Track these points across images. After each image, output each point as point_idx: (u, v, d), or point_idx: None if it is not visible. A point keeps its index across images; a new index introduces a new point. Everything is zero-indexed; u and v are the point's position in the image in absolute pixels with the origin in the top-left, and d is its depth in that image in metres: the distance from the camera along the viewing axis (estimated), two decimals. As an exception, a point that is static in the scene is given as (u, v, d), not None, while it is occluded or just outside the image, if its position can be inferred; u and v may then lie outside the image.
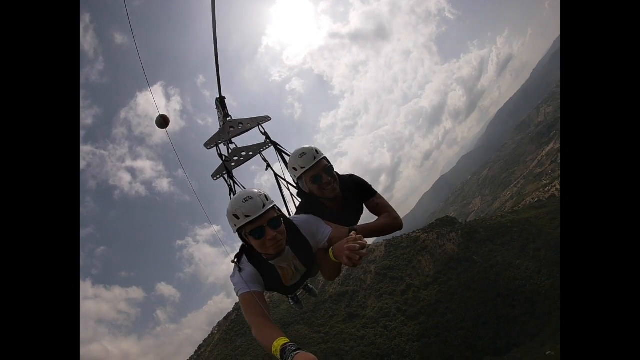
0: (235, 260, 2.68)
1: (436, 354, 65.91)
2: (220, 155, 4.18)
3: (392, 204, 3.30)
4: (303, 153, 3.11)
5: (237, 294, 2.55)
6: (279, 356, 1.95)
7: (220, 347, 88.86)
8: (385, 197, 3.33)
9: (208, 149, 4.18)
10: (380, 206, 3.28)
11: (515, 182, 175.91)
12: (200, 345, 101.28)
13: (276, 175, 4.15)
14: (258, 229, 2.47)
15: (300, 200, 3.42)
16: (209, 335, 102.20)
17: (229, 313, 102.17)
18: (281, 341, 2.01)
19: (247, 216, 2.46)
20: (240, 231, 2.55)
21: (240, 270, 2.61)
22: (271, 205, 2.54)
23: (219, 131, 4.23)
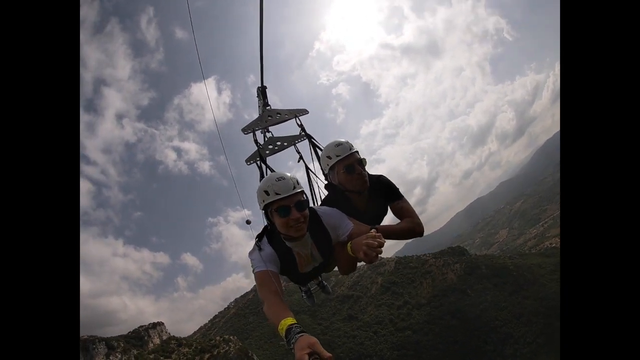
0: (257, 239, 2.80)
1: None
2: (256, 142, 4.21)
3: (424, 217, 4.04)
4: (339, 143, 3.30)
5: (253, 271, 2.65)
6: (284, 335, 2.03)
7: (234, 320, 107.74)
8: (417, 209, 3.33)
9: (245, 134, 4.23)
10: (404, 210, 3.30)
11: (544, 222, 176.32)
12: (215, 315, 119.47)
13: (307, 167, 4.08)
14: (285, 207, 2.61)
15: (327, 192, 3.48)
16: (225, 309, 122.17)
17: (246, 292, 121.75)
18: (288, 321, 2.07)
19: (277, 194, 2.60)
20: (267, 208, 2.70)
21: (259, 249, 2.71)
22: (300, 189, 2.69)
23: (257, 118, 4.25)
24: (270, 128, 4.77)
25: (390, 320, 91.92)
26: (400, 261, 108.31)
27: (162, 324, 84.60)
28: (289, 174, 2.73)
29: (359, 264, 2.90)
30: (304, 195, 2.73)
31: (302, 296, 5.20)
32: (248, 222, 3.56)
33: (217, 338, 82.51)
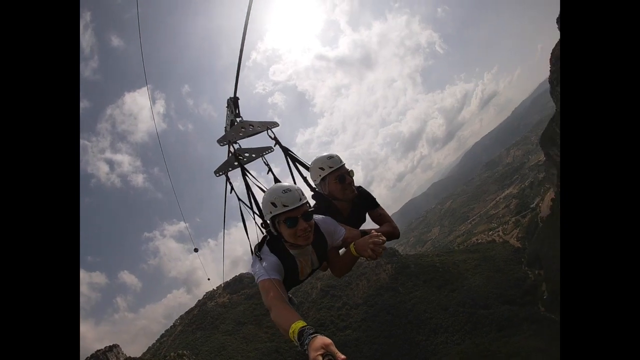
0: (257, 250, 2.89)
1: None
2: (234, 152, 4.09)
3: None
4: (330, 156, 3.57)
5: (257, 280, 2.67)
6: (296, 338, 2.01)
7: (182, 337, 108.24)
8: None
9: (221, 145, 4.12)
10: (383, 216, 3.76)
11: (471, 219, 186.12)
12: (162, 334, 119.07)
13: (276, 179, 4.05)
14: (292, 218, 2.71)
15: (315, 202, 3.63)
16: (171, 327, 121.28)
17: (191, 308, 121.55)
18: (299, 324, 2.06)
19: (285, 205, 2.70)
20: (274, 219, 2.79)
21: (260, 259, 2.78)
22: (306, 200, 2.80)
23: (231, 129, 4.15)
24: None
25: (332, 322, 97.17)
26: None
27: (118, 346, 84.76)
28: (294, 186, 2.88)
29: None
30: (309, 206, 2.85)
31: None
32: (196, 250, 4.07)
33: (172, 354, 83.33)
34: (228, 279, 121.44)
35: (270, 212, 2.78)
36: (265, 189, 3.26)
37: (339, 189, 3.54)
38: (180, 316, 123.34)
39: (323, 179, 3.60)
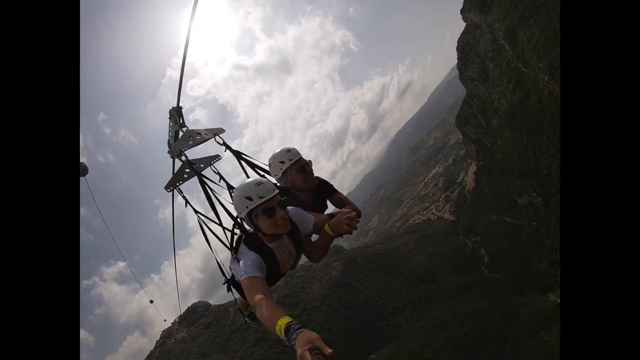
0: (233, 252, 2.94)
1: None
2: (188, 161, 3.89)
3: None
4: (289, 150, 3.71)
5: (239, 279, 2.67)
6: (283, 334, 2.02)
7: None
8: None
9: (171, 157, 3.96)
10: (343, 199, 4.01)
11: (405, 203, 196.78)
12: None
13: (229, 186, 3.92)
14: (270, 208, 2.78)
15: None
16: None
17: (151, 351, 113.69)
18: (285, 320, 2.06)
19: (260, 197, 2.76)
20: (250, 213, 2.82)
21: (238, 260, 2.81)
22: (278, 190, 2.90)
23: (179, 140, 3.96)
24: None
25: None
26: (287, 274, 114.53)
27: None
28: (263, 178, 2.98)
29: None
30: (282, 195, 2.93)
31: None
32: (151, 301, 3.79)
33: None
34: (182, 312, 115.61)
35: (247, 207, 2.81)
36: (220, 196, 3.48)
37: (301, 179, 3.71)
38: None
39: (284, 173, 3.73)
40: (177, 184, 3.98)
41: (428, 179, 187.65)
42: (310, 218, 3.33)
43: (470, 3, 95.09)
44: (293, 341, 1.93)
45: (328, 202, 4.11)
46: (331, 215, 3.37)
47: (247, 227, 3.02)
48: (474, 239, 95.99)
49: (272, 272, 2.94)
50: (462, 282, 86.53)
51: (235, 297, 3.92)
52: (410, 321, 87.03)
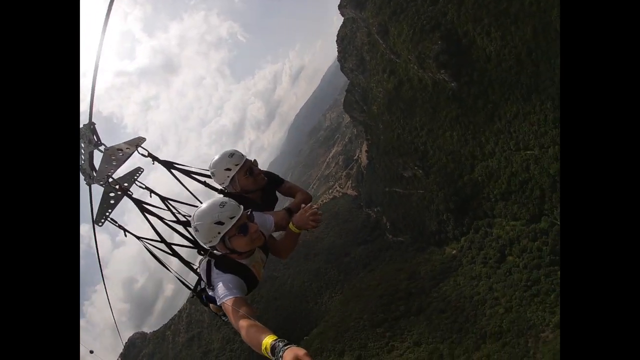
0: (205, 281, 2.86)
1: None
2: (124, 188, 3.43)
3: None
4: (232, 154, 3.50)
5: (219, 303, 2.60)
6: (269, 354, 1.95)
7: None
8: None
9: (101, 185, 3.34)
10: (292, 188, 3.90)
11: (313, 184, 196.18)
12: None
13: (163, 198, 3.59)
14: (243, 225, 2.69)
15: None
16: None
17: None
18: (270, 339, 2.00)
19: (231, 218, 2.64)
20: (224, 237, 2.68)
21: (214, 286, 2.69)
22: (242, 205, 2.78)
23: (102, 162, 3.39)
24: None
25: (235, 333, 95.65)
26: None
27: None
28: (219, 196, 2.99)
29: None
30: (245, 208, 2.80)
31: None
32: (91, 351, 3.84)
33: None
34: (122, 350, 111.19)
35: (219, 233, 2.68)
36: (162, 217, 3.26)
37: (250, 182, 3.57)
38: None
39: (232, 179, 3.54)
40: (107, 213, 3.37)
41: (329, 159, 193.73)
42: (270, 219, 3.27)
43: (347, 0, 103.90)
44: (280, 359, 1.84)
45: (277, 193, 3.98)
46: (289, 210, 3.39)
47: (216, 252, 2.86)
48: (375, 209, 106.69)
49: (251, 286, 2.93)
50: (372, 249, 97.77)
51: (207, 305, 3.46)
52: (334, 295, 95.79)
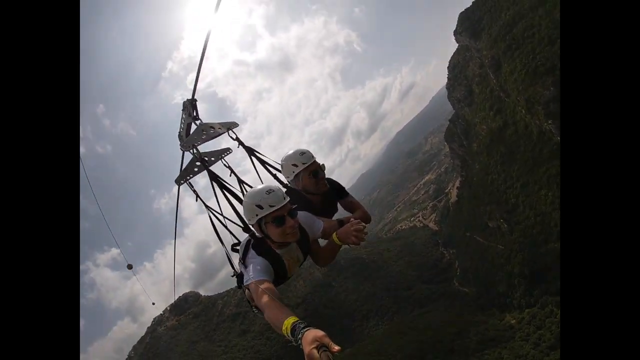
0: (242, 256, 2.95)
1: (297, 356, 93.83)
2: (201, 158, 3.77)
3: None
4: (303, 152, 3.61)
5: (246, 283, 2.74)
6: (289, 334, 2.00)
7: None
8: None
9: (185, 151, 3.84)
10: (354, 204, 3.87)
11: (397, 207, 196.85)
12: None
13: (240, 180, 3.97)
14: (280, 217, 2.75)
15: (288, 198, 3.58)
16: (126, 359, 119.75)
17: (142, 337, 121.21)
18: (291, 320, 2.05)
19: (271, 206, 2.73)
20: (260, 221, 2.81)
21: (247, 264, 2.80)
22: (289, 199, 2.87)
23: (193, 133, 3.85)
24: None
25: None
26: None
27: None
28: (275, 185, 2.91)
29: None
30: (292, 203, 2.89)
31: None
32: (130, 266, 4.20)
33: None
34: (173, 301, 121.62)
35: (257, 215, 2.80)
36: (235, 189, 3.50)
37: (312, 183, 3.62)
38: (133, 346, 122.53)
39: (297, 175, 3.64)
40: (188, 177, 3.84)
41: (420, 185, 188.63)
42: (319, 223, 3.29)
43: (463, 26, 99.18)
44: (300, 340, 1.88)
45: (338, 205, 4.02)
46: (340, 222, 3.36)
47: (256, 233, 2.98)
48: (451, 251, 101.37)
49: (279, 277, 2.94)
50: (434, 292, 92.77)
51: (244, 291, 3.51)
52: (380, 325, 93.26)
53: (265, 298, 2.43)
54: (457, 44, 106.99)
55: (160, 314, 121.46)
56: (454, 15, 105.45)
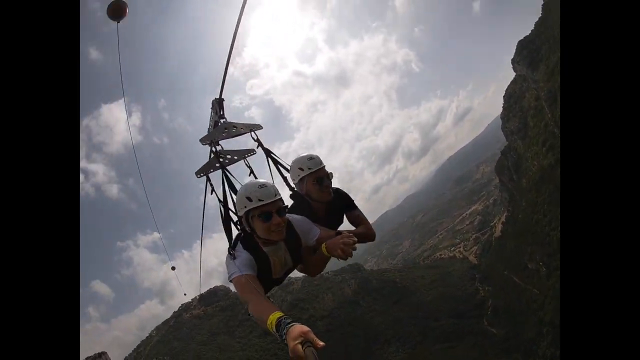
0: (231, 248, 2.90)
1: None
2: (216, 153, 3.90)
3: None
4: (311, 157, 3.59)
5: (230, 278, 2.71)
6: (274, 330, 2.00)
7: (159, 347, 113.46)
8: None
9: (203, 144, 3.96)
10: (360, 218, 3.81)
11: (439, 234, 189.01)
12: (138, 345, 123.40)
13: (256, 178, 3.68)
14: (267, 213, 2.76)
15: (292, 201, 3.68)
16: (147, 337, 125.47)
17: (167, 319, 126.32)
18: (276, 315, 2.04)
19: (260, 200, 2.74)
20: (248, 213, 2.82)
21: (234, 257, 2.79)
22: (281, 196, 2.85)
23: (215, 130, 4.02)
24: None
25: None
26: (305, 279, 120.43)
27: (106, 353, 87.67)
28: (270, 182, 2.91)
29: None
30: (283, 202, 2.88)
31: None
32: (173, 268, 5.57)
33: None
34: (203, 292, 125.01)
35: (245, 207, 2.81)
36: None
37: (316, 190, 3.59)
38: (157, 326, 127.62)
39: (301, 179, 3.64)
40: (208, 171, 3.86)
41: (466, 214, 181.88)
42: (316, 231, 3.26)
43: (521, 55, 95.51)
44: (284, 335, 1.89)
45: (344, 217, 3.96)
46: (339, 233, 3.18)
47: (246, 227, 2.97)
48: (486, 288, 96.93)
49: (263, 275, 2.90)
50: (462, 327, 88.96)
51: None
52: (401, 352, 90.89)
53: (249, 292, 2.52)
54: (514, 73, 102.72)
55: (189, 301, 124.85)
56: (514, 41, 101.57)
